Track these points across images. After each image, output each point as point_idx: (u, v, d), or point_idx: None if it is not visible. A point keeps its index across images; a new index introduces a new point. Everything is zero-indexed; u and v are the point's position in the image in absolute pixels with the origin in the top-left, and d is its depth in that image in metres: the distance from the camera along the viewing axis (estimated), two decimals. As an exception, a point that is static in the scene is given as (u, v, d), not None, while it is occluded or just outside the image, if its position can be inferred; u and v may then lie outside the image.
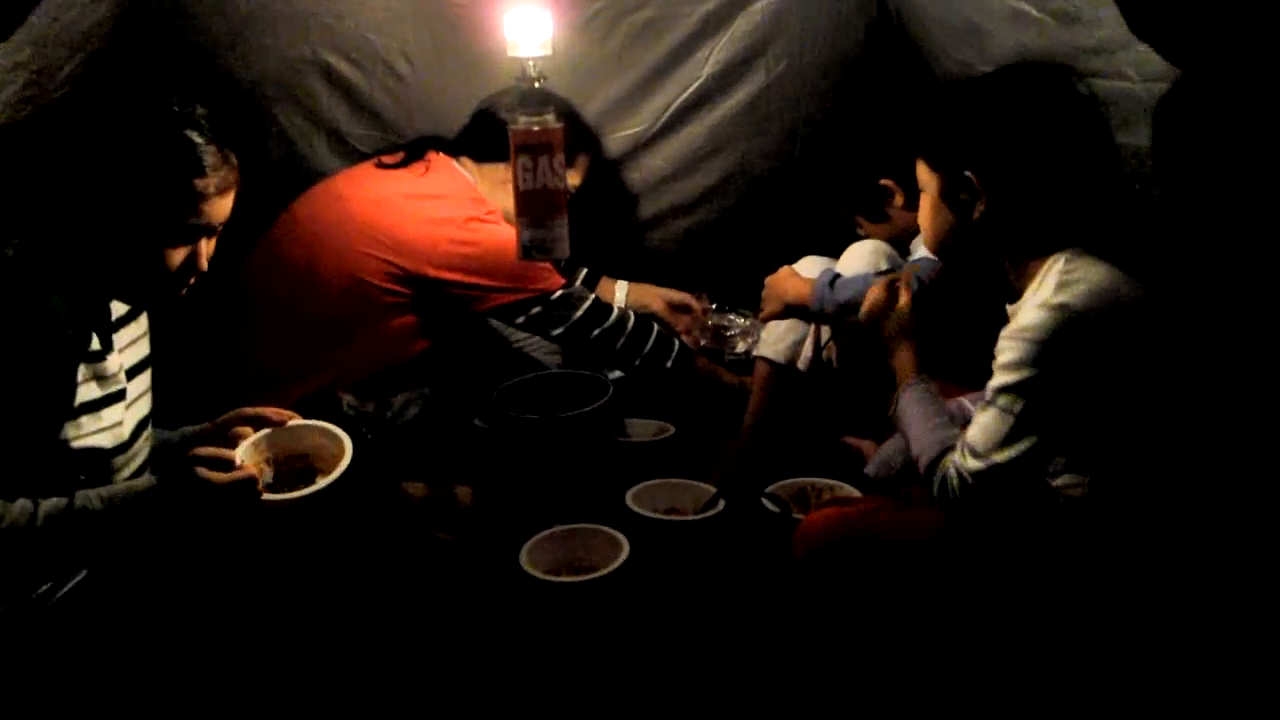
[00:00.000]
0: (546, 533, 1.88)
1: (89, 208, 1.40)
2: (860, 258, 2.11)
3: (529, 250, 1.75)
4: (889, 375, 1.97)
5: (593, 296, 2.19)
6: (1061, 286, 1.39)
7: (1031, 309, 1.39)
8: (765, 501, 1.95)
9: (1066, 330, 1.34)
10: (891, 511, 1.63)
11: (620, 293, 2.49)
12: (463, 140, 2.22)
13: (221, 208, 1.45)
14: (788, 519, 1.81)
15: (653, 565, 1.83)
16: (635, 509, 1.96)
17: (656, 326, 2.26)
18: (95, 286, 1.46)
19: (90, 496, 1.38)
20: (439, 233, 2.06)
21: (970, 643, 1.51)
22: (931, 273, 1.92)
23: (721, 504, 1.98)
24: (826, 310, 2.00)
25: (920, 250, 2.03)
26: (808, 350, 2.19)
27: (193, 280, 1.47)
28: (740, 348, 2.33)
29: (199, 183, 1.40)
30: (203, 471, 1.38)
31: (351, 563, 1.63)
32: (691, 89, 2.43)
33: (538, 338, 2.32)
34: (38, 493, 1.37)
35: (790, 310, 2.09)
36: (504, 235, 2.07)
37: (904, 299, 1.66)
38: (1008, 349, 1.38)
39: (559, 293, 2.13)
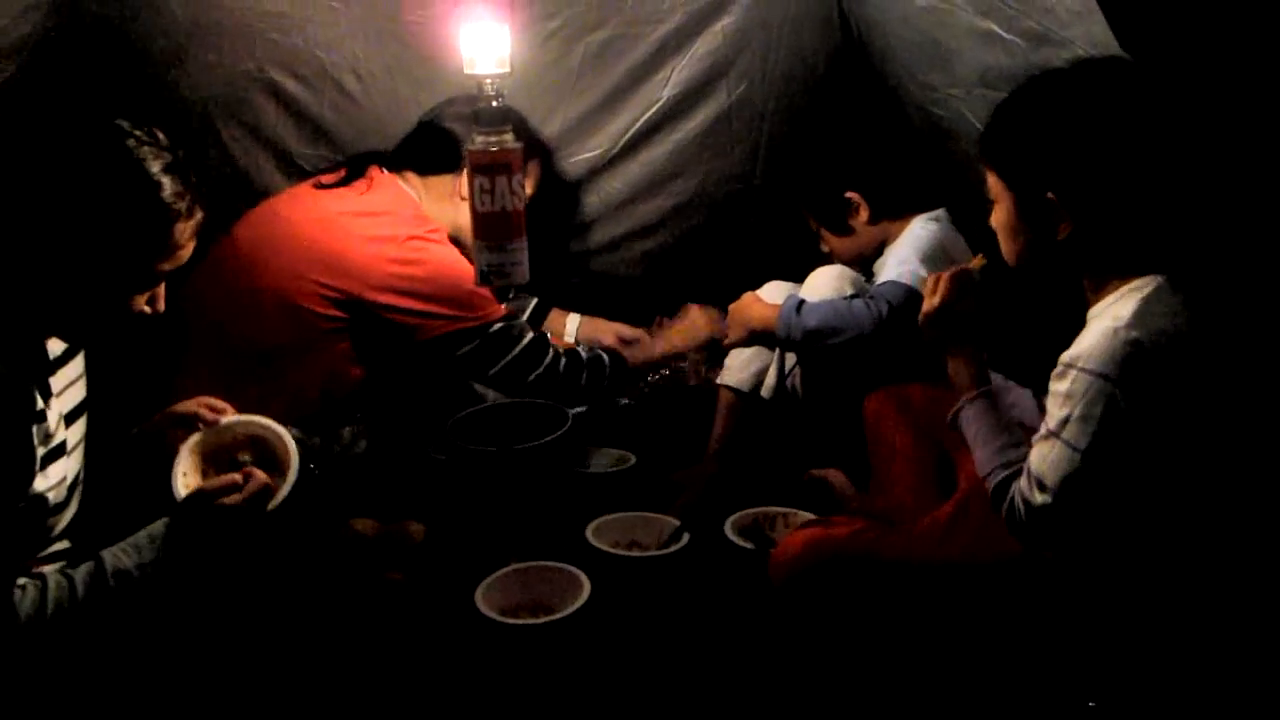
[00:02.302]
0: (503, 571, 1.81)
1: (36, 244, 1.31)
2: (825, 283, 2.07)
3: (486, 275, 1.70)
4: (854, 404, 1.97)
5: (531, 333, 2.11)
6: (1139, 317, 1.29)
7: (1100, 334, 1.30)
8: (735, 537, 1.89)
9: (1136, 369, 1.26)
10: (876, 532, 1.61)
11: (571, 325, 2.44)
12: (406, 153, 2.13)
13: (191, 248, 1.41)
14: (760, 555, 1.75)
15: (615, 604, 1.77)
16: (596, 544, 1.89)
17: (585, 356, 2.18)
18: (34, 327, 1.38)
19: (119, 556, 1.37)
20: (379, 252, 1.97)
21: (965, 666, 1.48)
22: (900, 298, 1.89)
23: (686, 538, 1.92)
24: (794, 337, 1.96)
25: (885, 273, 2.02)
26: (771, 378, 2.15)
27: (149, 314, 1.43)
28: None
29: (178, 228, 1.35)
30: (225, 500, 1.43)
31: (298, 604, 1.56)
32: (652, 110, 2.39)
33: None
34: None
35: (755, 337, 2.05)
36: (447, 256, 2.01)
37: (969, 300, 1.53)
38: (1073, 378, 1.30)
39: (499, 325, 2.04)
